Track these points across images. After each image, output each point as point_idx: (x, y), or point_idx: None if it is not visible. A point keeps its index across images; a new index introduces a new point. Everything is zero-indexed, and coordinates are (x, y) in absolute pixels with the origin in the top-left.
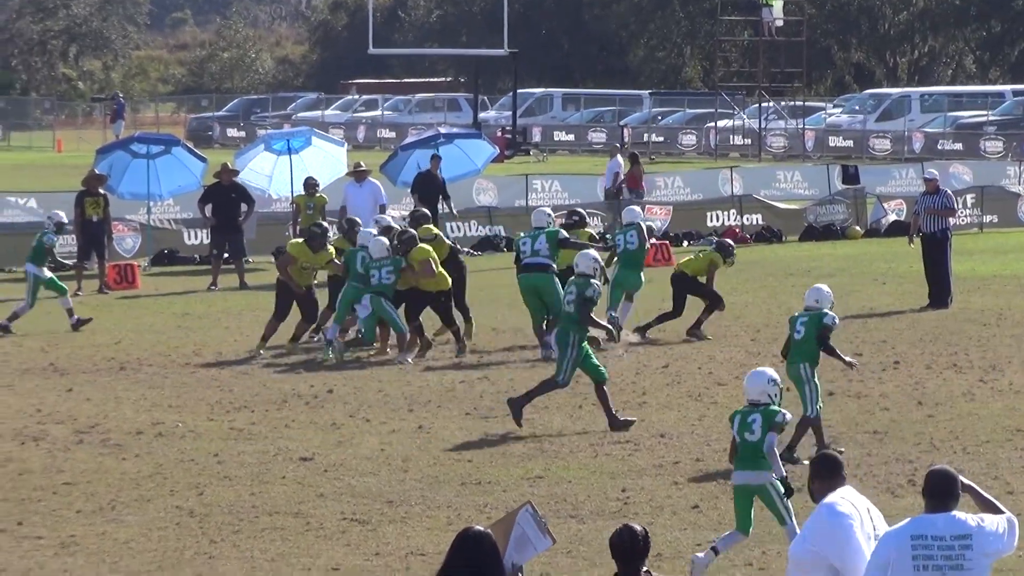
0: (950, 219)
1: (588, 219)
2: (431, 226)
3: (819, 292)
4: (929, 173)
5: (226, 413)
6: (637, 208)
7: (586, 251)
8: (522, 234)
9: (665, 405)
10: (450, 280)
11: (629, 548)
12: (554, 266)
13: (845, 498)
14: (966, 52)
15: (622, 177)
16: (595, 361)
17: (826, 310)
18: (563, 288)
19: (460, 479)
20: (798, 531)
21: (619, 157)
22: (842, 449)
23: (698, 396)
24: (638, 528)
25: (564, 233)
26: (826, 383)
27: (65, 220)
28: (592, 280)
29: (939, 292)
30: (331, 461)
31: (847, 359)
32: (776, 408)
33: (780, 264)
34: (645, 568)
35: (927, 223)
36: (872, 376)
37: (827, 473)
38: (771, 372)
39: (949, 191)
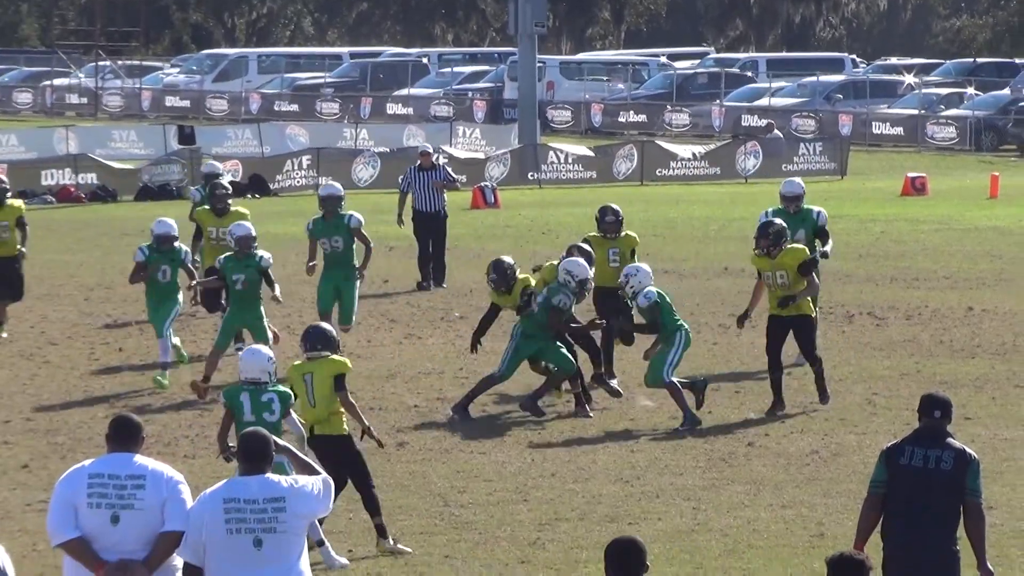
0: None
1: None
2: None
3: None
4: (423, 146)
5: None
6: None
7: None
8: None
9: None
10: None
11: None
12: None
13: None
14: (304, 14)
15: None
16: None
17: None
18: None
19: None
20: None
21: None
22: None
23: (30, 355)
24: None
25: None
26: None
27: None
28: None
29: (439, 272)
30: None
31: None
32: (287, 390)
33: (115, 224)
34: None
35: (425, 201)
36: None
37: None
38: (268, 351)
39: (446, 164)
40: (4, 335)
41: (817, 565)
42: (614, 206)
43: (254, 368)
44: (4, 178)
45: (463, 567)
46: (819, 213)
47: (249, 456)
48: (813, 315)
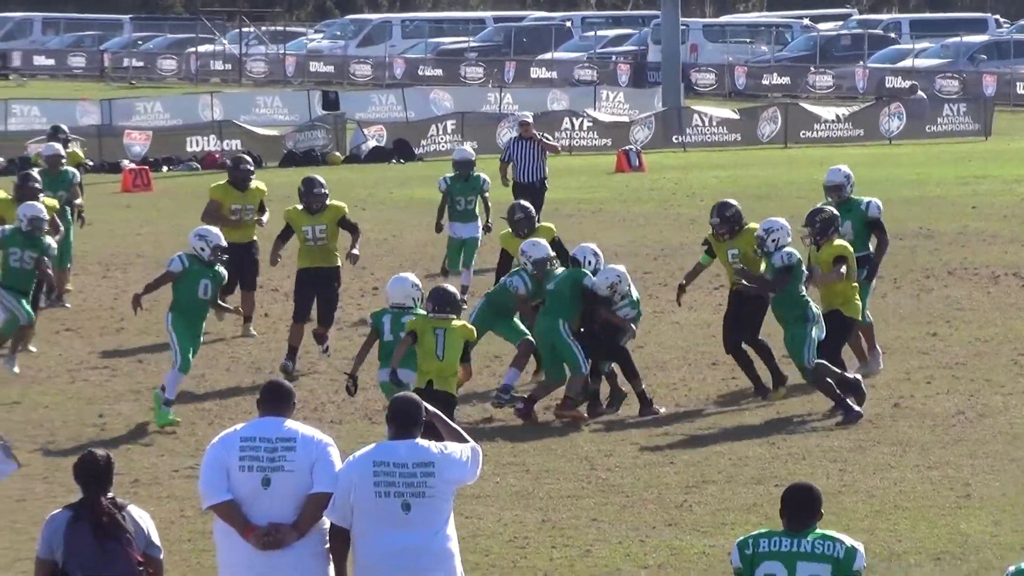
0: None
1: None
2: None
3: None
4: (522, 115)
5: None
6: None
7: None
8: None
9: (143, 331)
10: None
11: (91, 473)
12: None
13: None
14: None
15: None
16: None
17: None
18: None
19: None
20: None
21: None
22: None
23: None
24: (100, 454)
25: None
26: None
27: None
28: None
29: None
30: None
31: None
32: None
33: None
34: (111, 495)
35: (524, 171)
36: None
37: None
38: (414, 278)
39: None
40: (254, 332)
41: (964, 526)
42: (725, 201)
43: (400, 294)
44: (248, 157)
45: (610, 530)
46: (869, 203)
47: (400, 421)
48: (855, 317)
